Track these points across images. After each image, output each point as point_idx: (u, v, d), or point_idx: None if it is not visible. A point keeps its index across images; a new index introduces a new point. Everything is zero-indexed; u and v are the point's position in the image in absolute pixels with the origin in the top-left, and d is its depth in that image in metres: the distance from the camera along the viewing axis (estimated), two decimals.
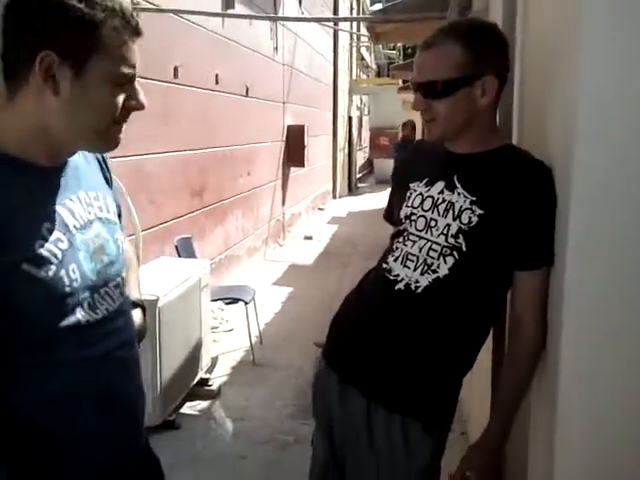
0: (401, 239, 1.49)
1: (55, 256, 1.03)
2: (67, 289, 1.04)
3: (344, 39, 14.60)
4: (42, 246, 1.01)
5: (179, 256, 4.07)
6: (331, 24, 10.61)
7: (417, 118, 1.56)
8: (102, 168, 1.27)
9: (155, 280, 3.31)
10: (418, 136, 7.51)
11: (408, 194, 1.51)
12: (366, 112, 20.62)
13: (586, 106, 1.14)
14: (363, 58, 20.34)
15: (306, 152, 8.81)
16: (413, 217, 1.47)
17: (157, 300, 3.06)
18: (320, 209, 11.88)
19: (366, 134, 20.38)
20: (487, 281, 1.42)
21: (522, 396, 1.44)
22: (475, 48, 1.35)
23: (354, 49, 17.19)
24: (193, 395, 3.64)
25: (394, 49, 25.34)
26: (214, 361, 4.13)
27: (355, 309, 1.57)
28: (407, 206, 1.50)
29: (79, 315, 1.07)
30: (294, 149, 8.66)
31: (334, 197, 13.60)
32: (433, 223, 1.42)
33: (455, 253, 1.38)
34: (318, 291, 5.94)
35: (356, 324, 1.52)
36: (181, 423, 3.36)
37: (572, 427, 1.23)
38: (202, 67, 5.23)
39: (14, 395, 1.03)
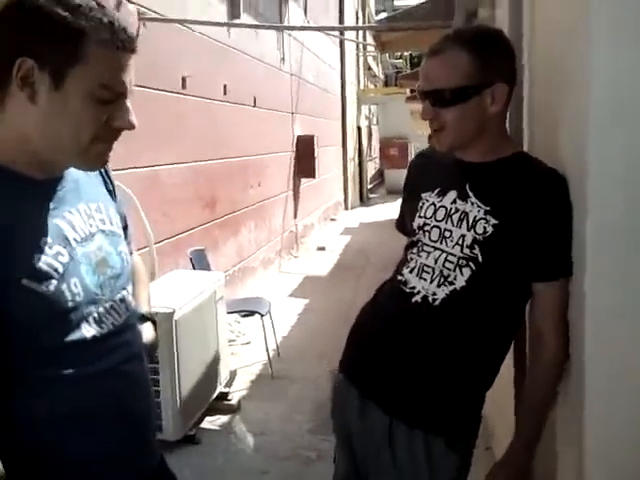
0: (415, 250, 1.47)
1: (56, 270, 0.99)
2: (70, 304, 1.01)
3: (351, 49, 14.59)
4: (42, 260, 0.98)
5: (193, 268, 4.02)
6: (337, 33, 10.59)
7: (426, 128, 1.52)
8: (104, 180, 1.24)
9: (170, 293, 3.27)
10: None
11: (420, 204, 1.48)
12: (375, 122, 20.62)
13: (598, 113, 1.12)
14: (370, 68, 20.36)
15: (316, 163, 8.77)
16: (426, 227, 1.44)
17: (173, 313, 3.01)
18: (332, 220, 11.86)
19: (376, 144, 20.37)
20: (505, 292, 1.39)
21: (546, 411, 1.40)
22: (482, 55, 1.33)
23: (361, 59, 17.20)
24: (213, 409, 3.59)
25: (401, 58, 25.42)
26: (233, 375, 4.09)
27: (371, 321, 1.55)
28: (420, 216, 1.47)
29: (84, 330, 1.04)
30: (304, 160, 8.61)
31: (346, 208, 13.60)
32: (447, 234, 1.40)
33: (471, 264, 1.36)
34: (334, 303, 5.88)
35: (373, 337, 1.50)
36: (201, 438, 3.33)
37: (602, 444, 1.19)
38: (210, 78, 5.20)
39: (18, 411, 0.99)
